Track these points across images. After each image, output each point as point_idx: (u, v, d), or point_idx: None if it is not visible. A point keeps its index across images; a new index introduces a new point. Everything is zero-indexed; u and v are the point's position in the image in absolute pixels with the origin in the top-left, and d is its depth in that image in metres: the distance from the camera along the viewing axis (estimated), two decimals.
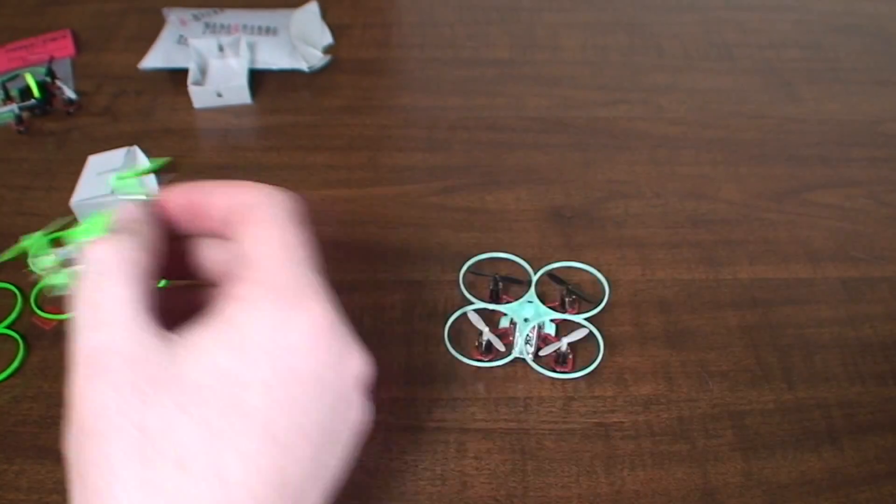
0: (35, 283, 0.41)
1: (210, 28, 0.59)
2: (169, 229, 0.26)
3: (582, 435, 0.36)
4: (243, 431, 0.21)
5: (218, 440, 0.21)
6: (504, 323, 0.41)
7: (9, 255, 0.27)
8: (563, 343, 0.38)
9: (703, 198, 0.48)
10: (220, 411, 0.21)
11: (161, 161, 0.30)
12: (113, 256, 0.23)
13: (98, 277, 0.23)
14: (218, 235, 0.27)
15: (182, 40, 0.58)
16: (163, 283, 0.29)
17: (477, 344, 0.39)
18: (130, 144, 0.49)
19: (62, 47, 0.59)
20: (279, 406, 0.22)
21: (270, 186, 0.26)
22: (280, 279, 0.23)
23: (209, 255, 0.28)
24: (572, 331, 0.39)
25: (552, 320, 0.41)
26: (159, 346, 0.22)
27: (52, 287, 0.25)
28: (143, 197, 0.26)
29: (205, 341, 0.22)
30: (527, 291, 0.42)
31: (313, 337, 0.23)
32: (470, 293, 0.42)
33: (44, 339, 0.41)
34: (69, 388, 0.22)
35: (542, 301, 0.42)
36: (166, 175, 0.48)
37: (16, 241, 0.28)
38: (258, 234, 0.24)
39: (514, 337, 0.40)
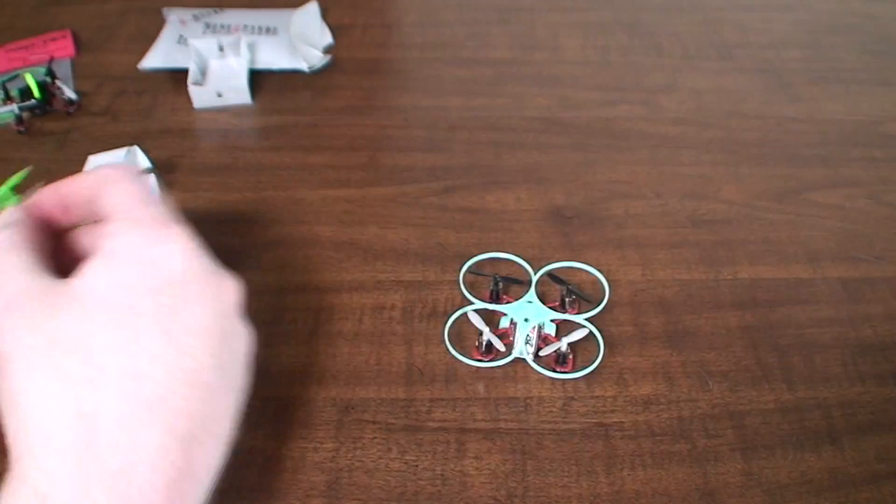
0: None
1: (210, 28, 0.59)
2: (49, 223, 0.31)
3: (582, 435, 0.36)
4: (143, 329, 0.25)
5: (123, 340, 0.25)
6: (504, 323, 0.41)
7: None
8: (563, 343, 0.38)
9: (703, 198, 0.48)
10: (120, 316, 0.25)
11: (23, 173, 0.34)
12: (7, 239, 0.28)
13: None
14: (91, 219, 0.31)
15: (182, 40, 0.58)
16: None
17: (477, 344, 0.39)
18: (130, 144, 0.49)
19: (62, 47, 0.59)
20: (167, 307, 0.26)
21: (118, 166, 0.30)
22: (141, 214, 0.28)
23: (92, 234, 0.32)
24: (572, 331, 0.39)
25: (552, 320, 0.41)
26: (58, 283, 0.26)
27: None
28: (18, 202, 0.31)
29: (92, 268, 0.26)
30: (527, 291, 0.42)
31: (186, 251, 0.27)
32: (470, 293, 0.42)
33: None
34: None
35: (543, 301, 0.42)
36: (166, 175, 0.49)
37: None
38: (113, 191, 0.29)
39: (514, 337, 0.40)
